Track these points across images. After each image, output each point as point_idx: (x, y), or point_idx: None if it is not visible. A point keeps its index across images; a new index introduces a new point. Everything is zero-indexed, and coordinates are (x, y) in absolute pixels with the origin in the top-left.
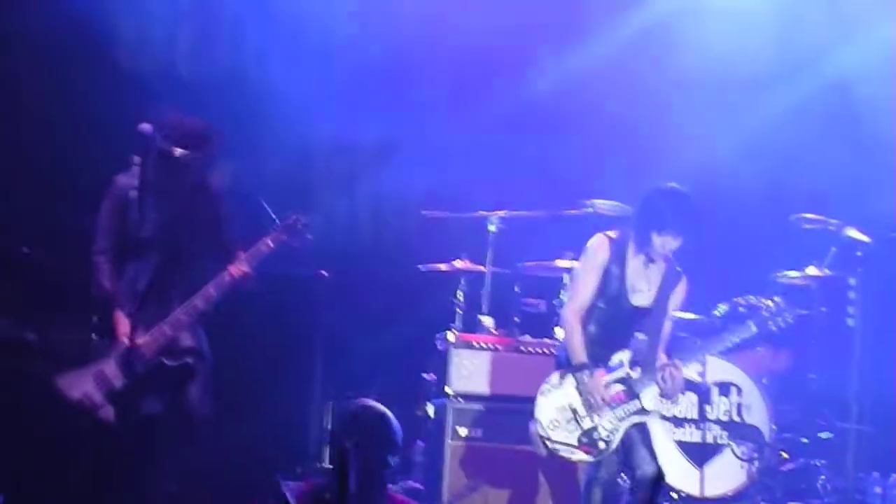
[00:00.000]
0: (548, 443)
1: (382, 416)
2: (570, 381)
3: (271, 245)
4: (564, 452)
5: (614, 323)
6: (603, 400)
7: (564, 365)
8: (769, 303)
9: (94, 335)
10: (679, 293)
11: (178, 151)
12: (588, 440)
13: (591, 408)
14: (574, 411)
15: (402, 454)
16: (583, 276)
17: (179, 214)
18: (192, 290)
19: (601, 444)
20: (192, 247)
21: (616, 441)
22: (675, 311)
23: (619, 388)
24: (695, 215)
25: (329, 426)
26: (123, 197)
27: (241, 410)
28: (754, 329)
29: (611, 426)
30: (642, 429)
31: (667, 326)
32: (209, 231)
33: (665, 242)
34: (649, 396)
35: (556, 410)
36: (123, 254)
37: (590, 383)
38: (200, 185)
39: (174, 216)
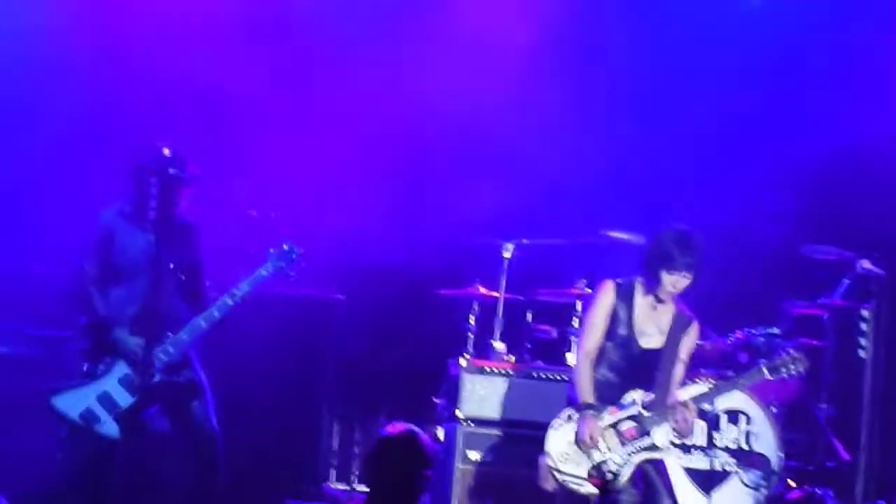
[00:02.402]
0: (557, 474)
1: (411, 432)
2: (577, 418)
3: (270, 270)
4: (573, 484)
5: (627, 366)
6: (592, 440)
7: (574, 403)
8: (785, 354)
9: (84, 365)
10: (690, 338)
11: (163, 170)
12: (598, 473)
13: (583, 446)
14: None
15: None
16: (590, 321)
17: (163, 240)
18: (185, 311)
19: (609, 476)
20: (177, 270)
21: (625, 475)
22: (688, 355)
23: (631, 424)
24: (702, 253)
25: (336, 445)
26: (108, 228)
27: (252, 429)
28: (767, 375)
29: (621, 460)
30: (661, 471)
31: (679, 370)
32: (187, 258)
33: (675, 281)
34: (661, 433)
35: (567, 444)
36: (110, 281)
37: (585, 423)
38: (178, 211)
39: (158, 242)
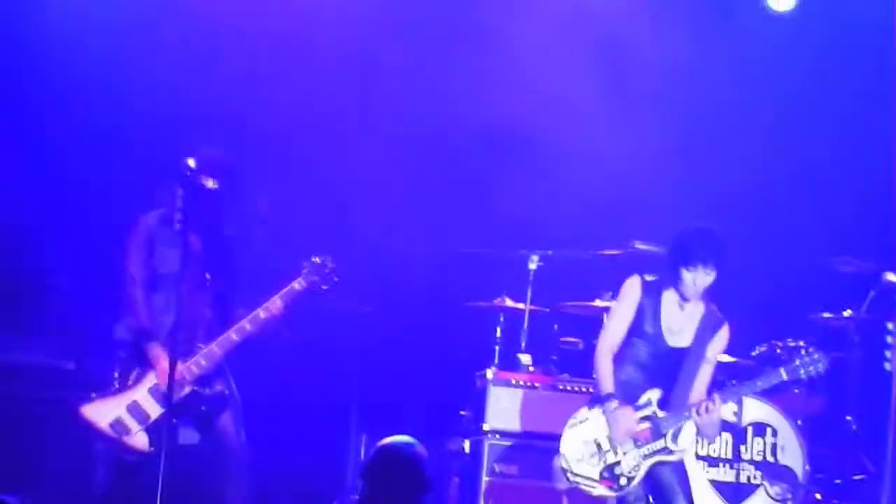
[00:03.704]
0: (569, 475)
1: (413, 455)
2: (596, 412)
3: (304, 284)
4: (585, 486)
5: (654, 364)
6: (628, 431)
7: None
8: (803, 351)
9: (116, 373)
10: (721, 339)
11: (208, 182)
12: (609, 475)
13: (614, 439)
14: (598, 445)
15: (435, 490)
16: (615, 314)
17: (202, 249)
18: (217, 323)
19: (622, 480)
20: (214, 280)
21: (638, 478)
22: (717, 356)
23: (646, 426)
24: (723, 248)
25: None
26: (149, 233)
27: (277, 443)
28: (784, 376)
29: (634, 462)
30: (680, 473)
31: (706, 371)
32: (225, 270)
33: (696, 278)
34: (683, 436)
35: (582, 444)
36: (151, 287)
37: (616, 413)
38: (221, 223)
39: (197, 251)
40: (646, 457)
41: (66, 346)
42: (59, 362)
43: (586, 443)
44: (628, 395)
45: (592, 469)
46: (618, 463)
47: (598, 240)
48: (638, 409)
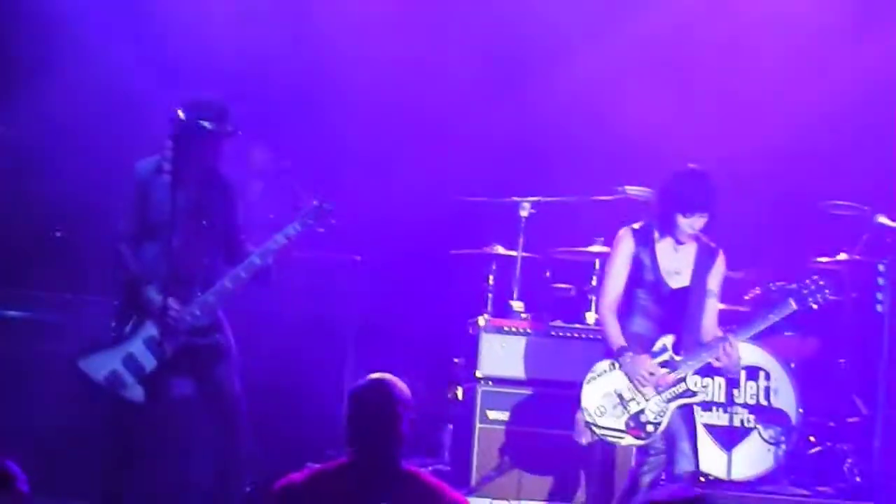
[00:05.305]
0: (595, 429)
1: (378, 381)
2: (614, 366)
3: (299, 228)
4: (612, 437)
5: (660, 311)
6: (651, 374)
7: (610, 355)
8: (807, 280)
9: (113, 322)
10: (718, 269)
11: (204, 123)
12: (635, 423)
13: (639, 387)
14: (620, 396)
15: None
16: (610, 269)
17: (198, 196)
18: (215, 271)
19: (649, 427)
20: (211, 228)
21: (665, 423)
22: (718, 286)
23: (665, 371)
24: (716, 190)
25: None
26: (145, 182)
27: (272, 395)
28: (794, 306)
29: (658, 409)
30: (689, 421)
31: (712, 304)
32: (223, 215)
33: (693, 222)
34: (695, 378)
35: (602, 397)
36: (144, 237)
37: (633, 363)
38: (216, 165)
39: (193, 198)
40: (669, 401)
41: (65, 298)
42: (58, 315)
43: (607, 395)
44: (643, 345)
45: (617, 420)
46: (642, 411)
47: (589, 186)
48: (654, 356)
